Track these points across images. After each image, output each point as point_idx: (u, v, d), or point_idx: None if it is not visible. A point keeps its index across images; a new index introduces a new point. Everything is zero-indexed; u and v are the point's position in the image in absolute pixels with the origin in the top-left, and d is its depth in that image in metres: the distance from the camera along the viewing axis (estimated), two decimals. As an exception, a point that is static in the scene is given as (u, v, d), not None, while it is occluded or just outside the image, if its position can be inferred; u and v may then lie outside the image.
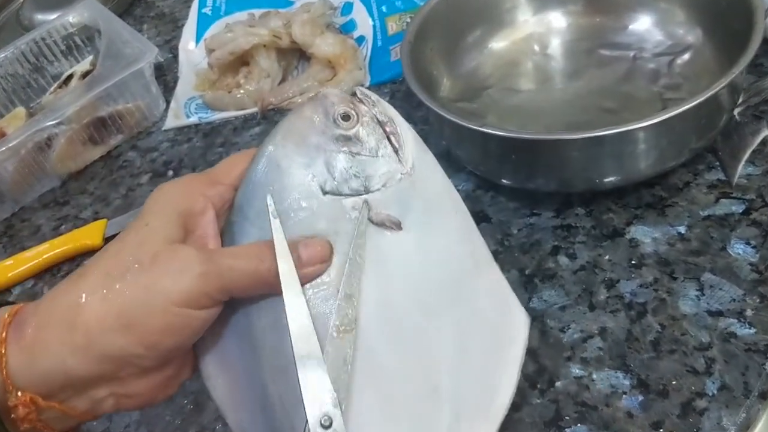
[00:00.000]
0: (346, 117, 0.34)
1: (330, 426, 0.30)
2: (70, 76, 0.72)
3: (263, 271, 0.31)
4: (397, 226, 0.33)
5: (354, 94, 0.36)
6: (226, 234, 0.34)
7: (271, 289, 0.31)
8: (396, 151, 0.35)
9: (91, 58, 0.75)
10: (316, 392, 0.30)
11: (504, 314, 0.34)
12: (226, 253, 0.32)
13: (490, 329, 0.33)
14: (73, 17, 0.74)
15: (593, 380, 0.39)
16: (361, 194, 0.34)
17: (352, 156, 0.34)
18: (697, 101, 0.41)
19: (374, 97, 0.36)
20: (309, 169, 0.34)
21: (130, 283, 0.29)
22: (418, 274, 0.33)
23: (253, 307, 0.32)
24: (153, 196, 0.33)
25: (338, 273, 0.32)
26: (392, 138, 0.35)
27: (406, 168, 0.34)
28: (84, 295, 0.29)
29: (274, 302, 0.32)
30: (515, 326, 0.34)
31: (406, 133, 0.35)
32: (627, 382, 0.38)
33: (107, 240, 0.57)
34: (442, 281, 0.33)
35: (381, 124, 0.35)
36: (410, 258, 0.33)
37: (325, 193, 0.33)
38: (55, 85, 0.73)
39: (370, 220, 0.33)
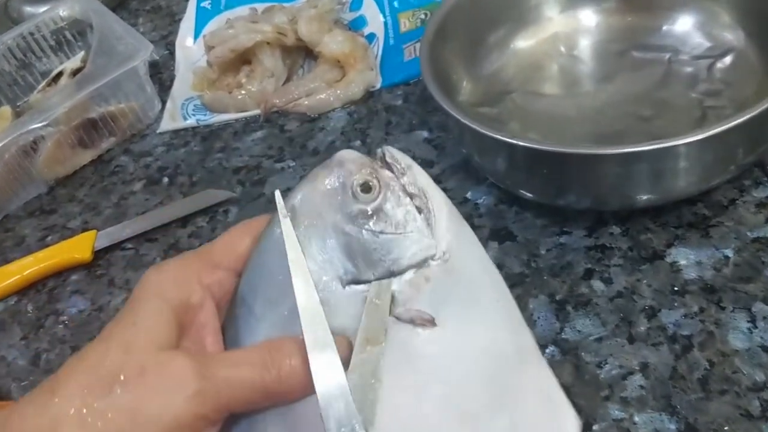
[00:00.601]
0: (366, 188, 0.29)
1: None
2: (60, 74, 0.68)
3: (270, 383, 0.27)
4: (431, 323, 0.29)
5: (381, 156, 0.31)
6: (228, 331, 0.30)
7: (280, 400, 0.27)
8: (428, 225, 0.30)
9: (82, 54, 0.71)
10: (339, 413, 0.26)
11: (553, 419, 0.30)
12: (226, 362, 0.27)
13: None
14: (63, 10, 0.70)
15: (635, 423, 0.35)
16: (385, 279, 0.29)
17: (374, 236, 0.29)
18: (750, 115, 0.37)
19: (404, 161, 0.31)
20: (323, 254, 0.29)
21: (114, 405, 0.25)
22: (456, 377, 0.28)
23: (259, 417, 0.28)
24: (143, 284, 0.29)
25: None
26: (423, 213, 0.30)
27: (439, 248, 0.29)
28: (59, 418, 0.25)
29: (284, 412, 0.27)
30: (565, 429, 0.30)
31: (441, 206, 0.30)
32: (673, 426, 0.35)
33: (97, 253, 0.53)
34: (486, 383, 0.29)
35: (410, 195, 0.30)
36: (446, 360, 0.29)
37: (345, 284, 0.29)
38: (44, 83, 0.69)
39: (398, 318, 0.29)
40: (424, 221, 0.30)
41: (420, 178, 0.31)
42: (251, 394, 0.27)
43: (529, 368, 0.30)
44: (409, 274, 0.29)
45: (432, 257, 0.29)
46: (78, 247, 0.53)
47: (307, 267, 0.28)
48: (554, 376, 0.31)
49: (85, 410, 0.25)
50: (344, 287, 0.29)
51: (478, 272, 0.31)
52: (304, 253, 0.29)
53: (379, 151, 0.32)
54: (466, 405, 0.28)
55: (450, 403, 0.28)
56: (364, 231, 0.29)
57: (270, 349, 0.27)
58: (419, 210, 0.30)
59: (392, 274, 0.29)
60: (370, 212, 0.29)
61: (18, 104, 0.70)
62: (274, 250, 0.29)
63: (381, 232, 0.29)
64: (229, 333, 0.30)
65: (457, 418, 0.28)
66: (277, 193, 0.30)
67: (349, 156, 0.31)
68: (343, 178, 0.30)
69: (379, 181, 0.30)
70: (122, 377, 0.26)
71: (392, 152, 0.31)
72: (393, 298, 0.29)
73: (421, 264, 0.29)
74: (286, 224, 0.29)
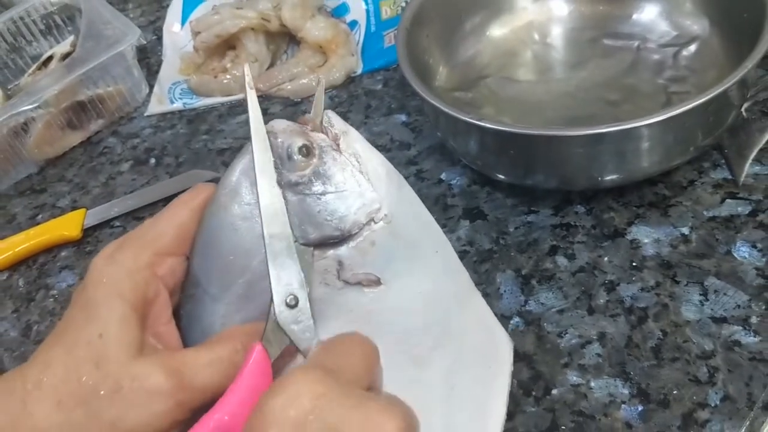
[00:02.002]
0: (301, 153, 0.30)
1: (296, 306, 0.28)
2: (50, 58, 0.69)
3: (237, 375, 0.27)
4: (376, 283, 0.31)
5: (320, 121, 0.31)
6: (185, 308, 0.31)
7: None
8: (368, 181, 0.31)
9: (71, 38, 0.72)
10: (284, 272, 0.28)
11: (490, 345, 0.33)
12: (199, 366, 0.28)
13: (478, 364, 0.32)
14: (53, -5, 0.72)
15: (591, 388, 0.37)
16: (336, 240, 0.30)
17: (317, 198, 0.30)
18: (707, 97, 0.39)
19: (340, 127, 0.31)
20: None
21: (93, 419, 0.25)
22: (403, 326, 0.31)
23: None
24: (97, 280, 0.28)
25: None
26: (362, 174, 0.31)
27: (382, 210, 0.30)
28: (36, 430, 0.25)
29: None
30: (501, 354, 0.33)
31: (378, 168, 0.31)
32: (626, 391, 0.37)
33: (86, 231, 0.55)
34: (429, 328, 0.31)
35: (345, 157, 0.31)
36: (393, 313, 0.31)
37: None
38: (34, 66, 0.70)
39: (347, 282, 0.30)
40: (365, 178, 0.31)
41: (355, 144, 0.31)
42: (222, 389, 0.27)
43: (466, 304, 0.33)
44: (355, 241, 0.31)
45: (377, 212, 0.31)
46: (67, 225, 0.55)
47: (271, 163, 0.29)
48: (488, 307, 0.34)
49: (62, 425, 0.25)
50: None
51: (419, 228, 0.32)
52: (254, 227, 0.29)
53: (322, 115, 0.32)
54: (415, 349, 0.31)
55: (400, 350, 0.31)
56: (305, 196, 0.30)
57: (235, 343, 0.28)
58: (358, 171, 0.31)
59: (341, 233, 0.30)
60: (308, 176, 0.30)
61: (9, 87, 0.71)
62: (221, 230, 0.30)
63: (323, 194, 0.30)
64: (188, 313, 0.31)
65: (408, 362, 0.31)
66: (246, 67, 0.30)
67: (279, 125, 0.31)
68: (278, 147, 0.30)
69: (313, 145, 0.30)
70: (99, 393, 0.26)
71: (330, 117, 0.32)
72: (341, 264, 0.31)
73: (368, 221, 0.31)
74: (252, 96, 0.29)
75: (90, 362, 0.26)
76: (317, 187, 0.30)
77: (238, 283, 0.30)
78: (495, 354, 0.33)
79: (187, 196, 0.31)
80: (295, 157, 0.30)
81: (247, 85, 0.29)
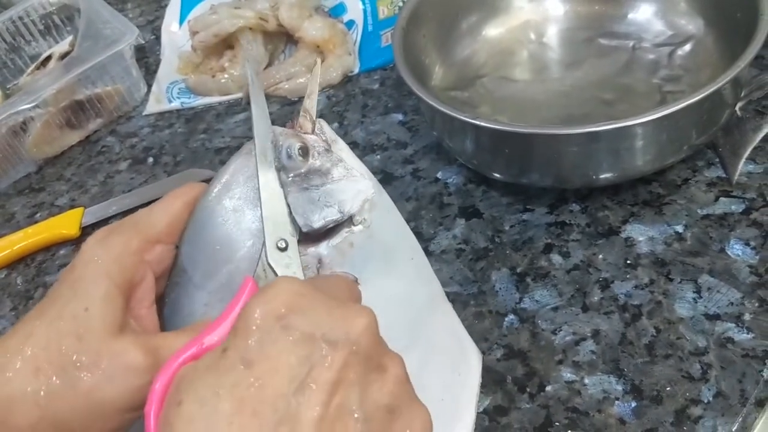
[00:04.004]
0: (300, 152, 0.32)
1: (285, 249, 0.30)
2: (49, 58, 0.70)
3: None
4: (355, 282, 0.33)
5: (311, 128, 0.34)
6: (169, 296, 0.32)
7: None
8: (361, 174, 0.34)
9: (70, 38, 0.72)
10: (278, 221, 0.31)
11: (459, 353, 0.36)
12: (174, 349, 0.28)
13: (447, 367, 0.34)
14: (51, -5, 0.72)
15: (585, 385, 0.37)
16: (337, 222, 0.32)
17: (316, 189, 0.32)
18: (700, 96, 0.39)
19: (331, 136, 0.34)
20: (261, 222, 0.32)
21: (70, 388, 0.26)
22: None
23: None
24: (87, 260, 0.29)
25: None
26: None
27: (373, 187, 0.33)
28: (14, 397, 0.26)
29: None
30: (470, 363, 0.35)
31: (363, 175, 0.34)
32: (620, 388, 0.37)
33: (84, 229, 0.55)
34: (402, 326, 0.33)
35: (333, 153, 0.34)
36: None
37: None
38: (33, 66, 0.71)
39: None
40: (356, 172, 0.34)
41: (341, 152, 0.34)
42: None
43: (437, 311, 0.35)
44: (336, 240, 0.33)
45: (371, 197, 0.33)
46: (66, 224, 0.55)
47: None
48: (458, 317, 0.36)
49: (39, 391, 0.26)
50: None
51: (396, 236, 0.35)
52: (242, 220, 0.32)
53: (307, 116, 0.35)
54: (390, 346, 0.32)
55: None
56: (306, 189, 0.32)
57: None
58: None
59: (343, 215, 0.33)
60: (307, 172, 0.32)
61: (8, 87, 0.71)
62: (210, 222, 0.32)
63: (322, 185, 0.32)
64: (171, 300, 0.32)
65: None
66: (248, 63, 0.32)
67: (277, 130, 0.34)
68: (278, 149, 0.32)
69: (309, 145, 0.33)
70: (78, 363, 0.27)
71: (322, 126, 0.34)
72: (321, 262, 0.33)
73: (362, 206, 0.33)
74: (255, 91, 0.33)
75: (72, 334, 0.27)
76: (316, 181, 0.32)
77: (221, 272, 0.32)
78: (464, 362, 0.35)
79: (182, 190, 0.33)
80: (295, 157, 0.32)
81: (250, 83, 0.32)
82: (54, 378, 0.27)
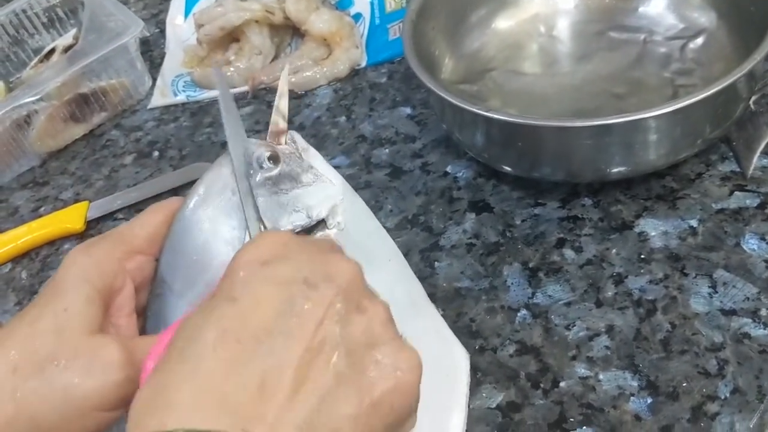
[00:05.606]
0: (271, 159, 0.34)
1: None
2: (52, 51, 0.69)
3: None
4: None
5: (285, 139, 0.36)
6: (151, 308, 0.33)
7: None
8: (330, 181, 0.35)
9: (74, 31, 0.71)
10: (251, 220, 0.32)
11: (447, 355, 0.36)
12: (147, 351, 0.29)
13: (434, 369, 0.34)
14: (55, -12, 0.71)
15: (599, 381, 0.37)
16: (305, 227, 0.34)
17: (285, 193, 0.34)
18: (715, 89, 0.39)
19: (302, 144, 0.36)
20: (236, 231, 0.33)
21: (47, 384, 0.27)
22: None
23: None
24: (69, 267, 0.30)
25: None
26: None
27: (342, 194, 0.35)
28: None
29: None
30: (458, 365, 0.36)
31: (334, 180, 0.36)
32: (635, 384, 0.36)
33: (89, 223, 0.55)
34: None
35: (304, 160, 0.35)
36: None
37: None
38: (36, 59, 0.70)
39: None
40: (326, 178, 0.35)
41: (313, 160, 0.36)
42: None
43: (421, 313, 0.36)
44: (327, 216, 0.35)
45: (340, 203, 0.35)
46: (70, 218, 0.55)
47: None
48: (441, 317, 0.37)
49: (15, 389, 0.27)
50: None
51: (371, 238, 0.36)
52: (218, 230, 0.33)
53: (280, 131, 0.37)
54: None
55: None
56: (275, 193, 0.34)
57: None
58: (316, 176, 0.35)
59: (310, 219, 0.34)
60: (277, 177, 0.34)
61: (11, 80, 0.71)
62: (188, 233, 0.33)
63: (290, 189, 0.34)
64: (153, 311, 0.33)
65: None
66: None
67: (250, 142, 0.35)
68: (249, 158, 0.34)
69: (278, 153, 0.35)
70: (55, 359, 0.27)
71: (293, 136, 0.36)
72: None
73: (331, 211, 0.35)
74: (229, 108, 0.35)
75: (51, 332, 0.28)
76: (285, 186, 0.34)
77: (200, 281, 0.33)
78: (452, 364, 0.36)
79: (162, 204, 0.35)
80: (265, 165, 0.34)
81: (220, 97, 0.35)
82: (31, 374, 0.27)
